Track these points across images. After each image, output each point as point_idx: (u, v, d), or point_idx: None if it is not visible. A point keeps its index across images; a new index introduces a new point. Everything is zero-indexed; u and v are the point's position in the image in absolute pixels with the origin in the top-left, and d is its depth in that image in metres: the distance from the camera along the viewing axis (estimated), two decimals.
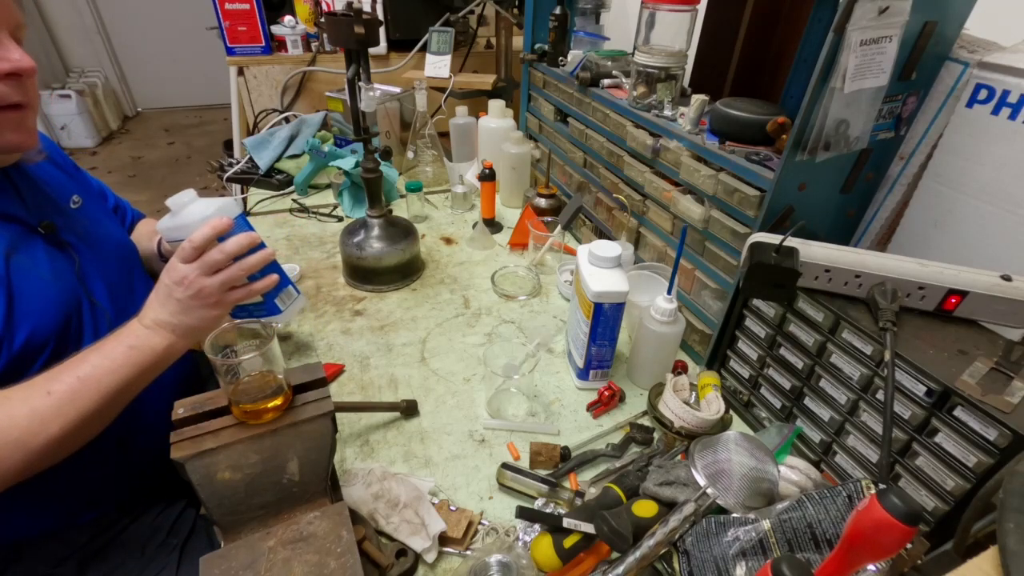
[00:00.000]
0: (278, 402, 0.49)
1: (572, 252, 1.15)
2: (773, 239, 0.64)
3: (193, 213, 0.66)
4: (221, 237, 0.63)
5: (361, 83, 0.86)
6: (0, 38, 0.56)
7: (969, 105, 0.68)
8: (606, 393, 0.79)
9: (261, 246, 0.67)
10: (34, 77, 0.60)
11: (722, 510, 0.56)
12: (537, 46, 1.27)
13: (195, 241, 0.62)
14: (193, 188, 0.69)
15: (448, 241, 1.22)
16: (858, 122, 0.65)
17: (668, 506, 0.57)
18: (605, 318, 0.74)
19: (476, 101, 1.53)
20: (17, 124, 0.60)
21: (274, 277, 0.69)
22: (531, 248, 1.14)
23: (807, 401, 0.68)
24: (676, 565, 0.53)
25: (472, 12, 1.71)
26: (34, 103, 0.61)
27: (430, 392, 0.82)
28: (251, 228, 0.68)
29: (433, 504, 0.63)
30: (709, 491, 0.56)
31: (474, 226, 1.21)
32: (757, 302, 0.72)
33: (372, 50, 1.30)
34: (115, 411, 0.61)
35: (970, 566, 0.36)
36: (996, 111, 0.66)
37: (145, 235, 0.90)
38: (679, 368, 0.82)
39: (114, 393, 0.58)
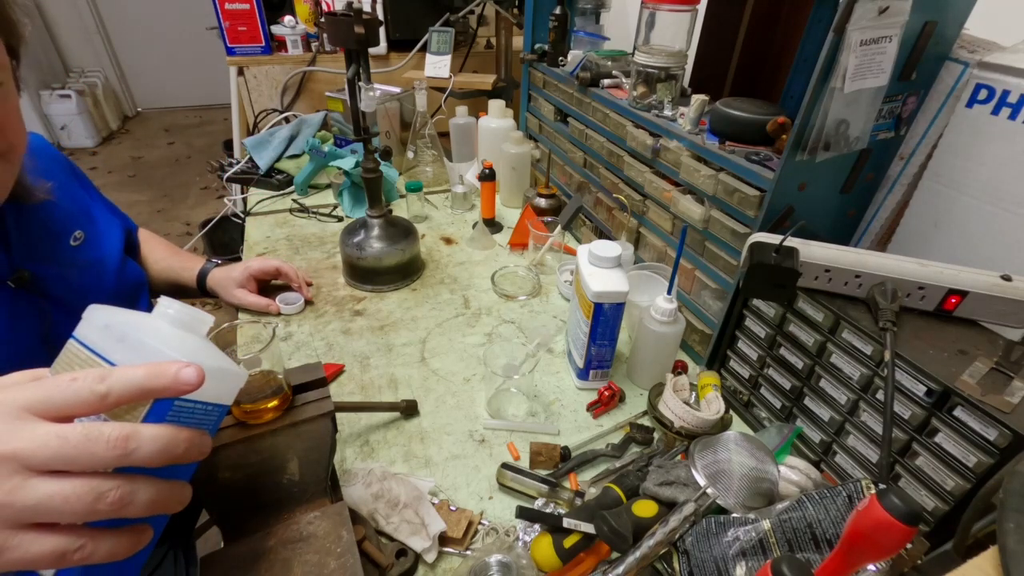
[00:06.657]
0: (278, 402, 0.49)
1: (572, 252, 1.15)
2: (773, 239, 0.64)
3: (162, 334, 0.35)
4: (161, 402, 0.33)
5: (361, 83, 0.86)
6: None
7: (969, 105, 0.68)
8: (606, 393, 0.79)
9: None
10: None
11: (722, 510, 0.56)
12: (537, 46, 1.27)
13: (114, 386, 0.31)
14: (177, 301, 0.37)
15: (448, 241, 1.22)
16: (858, 122, 0.65)
17: (668, 506, 0.57)
18: (605, 318, 0.74)
19: (476, 101, 1.53)
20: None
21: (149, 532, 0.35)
22: (531, 248, 1.14)
23: (807, 401, 0.68)
24: (676, 565, 0.53)
25: (472, 12, 1.71)
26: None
27: (430, 392, 0.82)
28: (228, 408, 0.39)
29: (433, 504, 0.63)
30: (709, 491, 0.56)
31: (474, 226, 1.21)
32: (757, 302, 0.72)
33: (372, 50, 1.30)
34: None
35: (970, 566, 0.36)
36: (996, 111, 0.66)
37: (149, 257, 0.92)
38: (679, 368, 0.82)
39: None
